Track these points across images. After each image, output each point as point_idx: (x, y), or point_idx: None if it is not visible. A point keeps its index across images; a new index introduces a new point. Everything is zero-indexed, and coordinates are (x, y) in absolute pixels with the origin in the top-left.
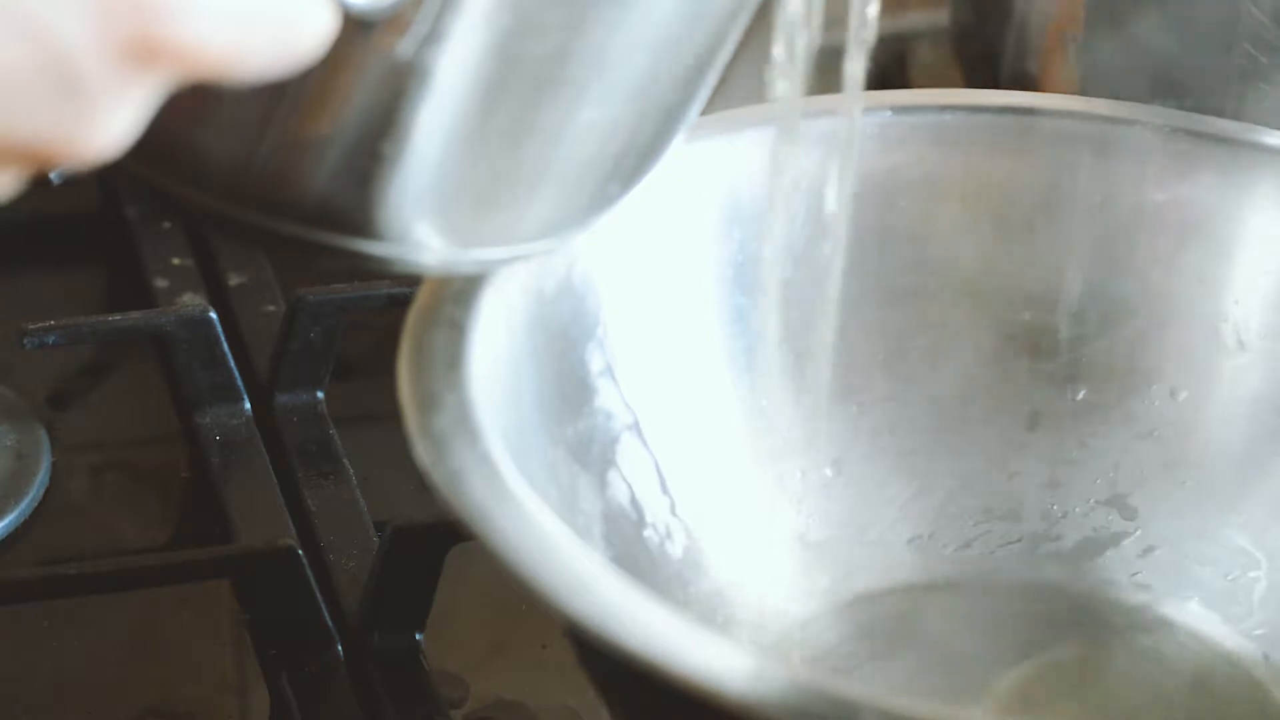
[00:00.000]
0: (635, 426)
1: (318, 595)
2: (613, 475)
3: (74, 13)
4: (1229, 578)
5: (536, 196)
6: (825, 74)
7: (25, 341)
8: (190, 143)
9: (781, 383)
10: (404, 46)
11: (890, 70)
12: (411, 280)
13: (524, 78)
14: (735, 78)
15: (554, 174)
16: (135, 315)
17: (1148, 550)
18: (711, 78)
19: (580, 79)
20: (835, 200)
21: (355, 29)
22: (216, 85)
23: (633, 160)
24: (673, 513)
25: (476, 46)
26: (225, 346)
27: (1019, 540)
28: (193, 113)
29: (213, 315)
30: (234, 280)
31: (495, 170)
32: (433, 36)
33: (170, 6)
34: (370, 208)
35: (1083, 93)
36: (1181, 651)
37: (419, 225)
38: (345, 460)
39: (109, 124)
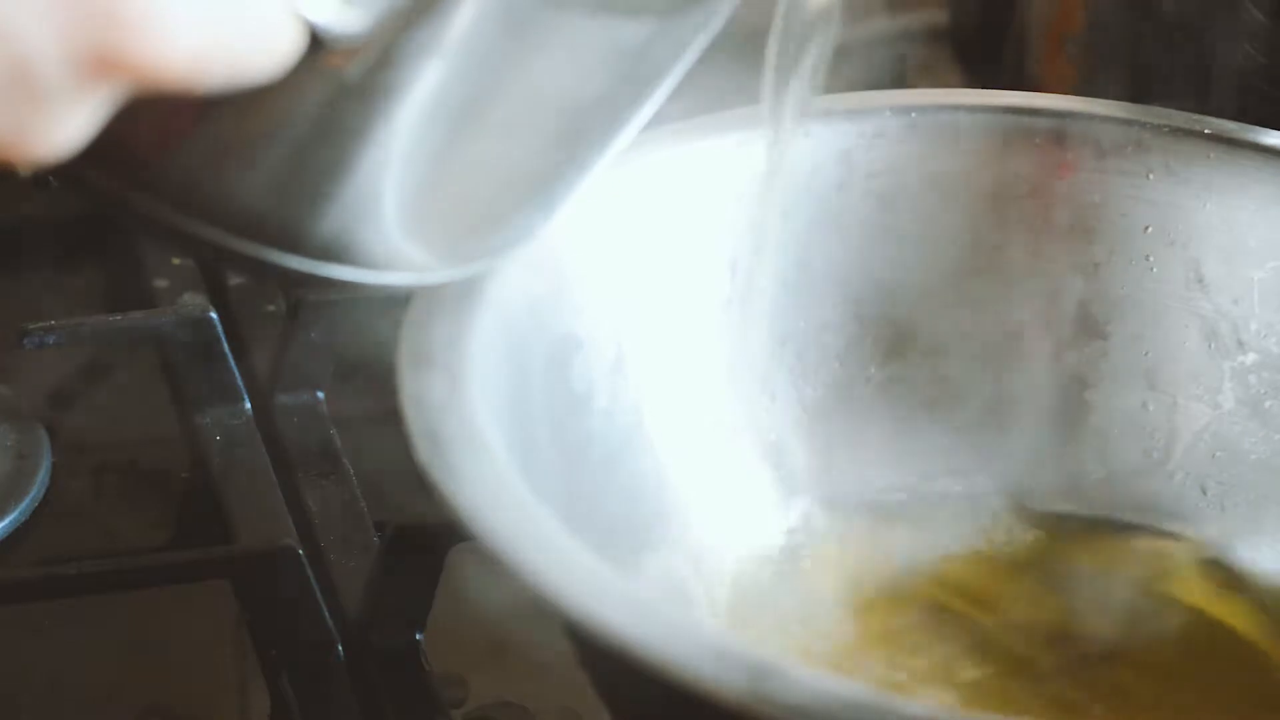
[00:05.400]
0: (636, 426)
1: (318, 595)
2: (613, 475)
3: (38, 16)
4: (1222, 576)
5: (464, 220)
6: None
7: (25, 341)
8: (134, 146)
9: (777, 378)
10: (352, 69)
11: (890, 70)
12: (407, 293)
13: (462, 108)
14: (731, 79)
15: (485, 200)
16: (135, 315)
17: (1140, 539)
18: (650, 107)
19: (514, 113)
20: (766, 208)
21: (310, 48)
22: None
23: (553, 192)
24: (674, 510)
25: (421, 75)
26: (225, 346)
27: (1020, 534)
28: (140, 118)
29: (213, 315)
30: (234, 280)
31: (427, 193)
32: (381, 62)
33: (137, 22)
34: (301, 222)
35: (1083, 93)
36: (1185, 629)
37: (346, 243)
38: (345, 460)
39: (61, 127)
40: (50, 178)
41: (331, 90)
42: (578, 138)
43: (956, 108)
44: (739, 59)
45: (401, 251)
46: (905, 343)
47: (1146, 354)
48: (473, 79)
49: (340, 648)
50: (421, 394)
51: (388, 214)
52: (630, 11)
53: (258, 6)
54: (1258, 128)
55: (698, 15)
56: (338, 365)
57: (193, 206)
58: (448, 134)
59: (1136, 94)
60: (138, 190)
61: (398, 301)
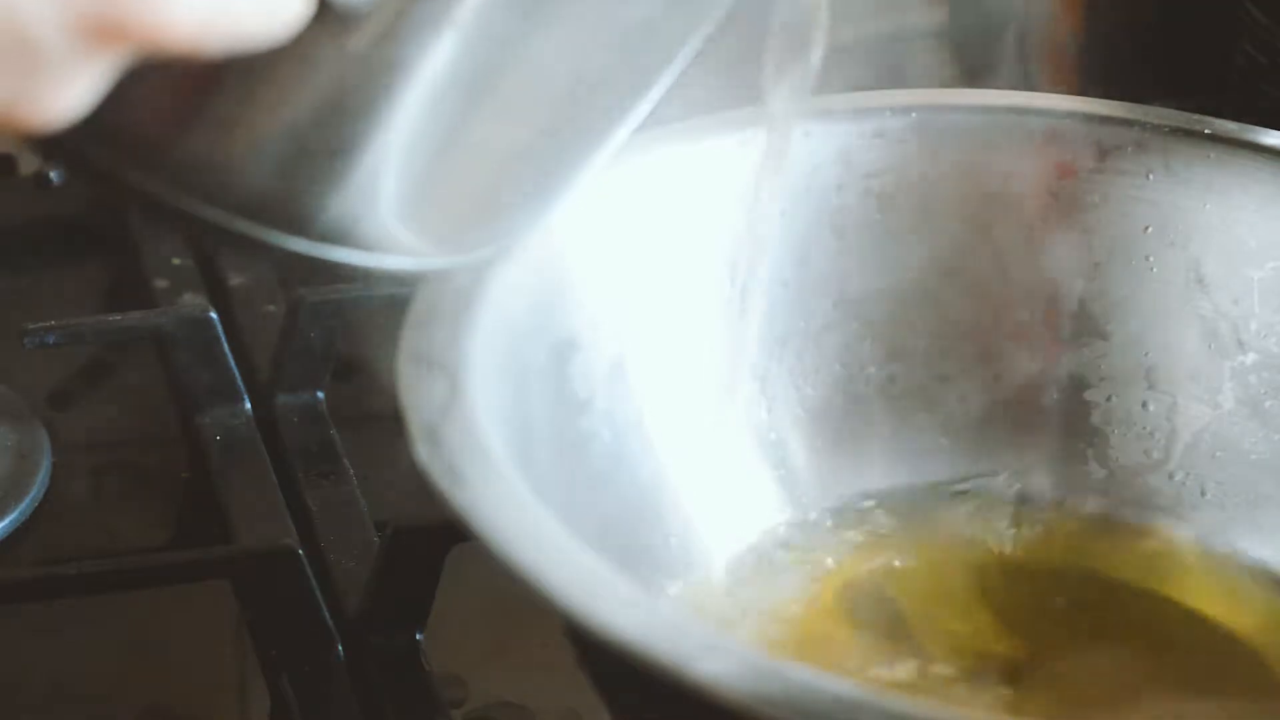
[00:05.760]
0: (636, 426)
1: (318, 595)
2: (613, 475)
3: None
4: (1222, 575)
5: (471, 205)
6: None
7: (25, 341)
8: (137, 124)
9: (777, 378)
10: (359, 41)
11: (890, 70)
12: (411, 280)
13: (470, 89)
14: (725, 80)
15: (492, 185)
16: (135, 315)
17: (1140, 539)
18: (656, 91)
19: (522, 95)
20: (764, 199)
21: (317, 19)
22: (167, 63)
23: (558, 178)
24: (674, 510)
25: (429, 51)
26: (225, 346)
27: (1020, 535)
28: (143, 96)
29: (213, 315)
30: (234, 280)
31: (434, 176)
32: (389, 36)
33: None
34: (305, 204)
35: (1083, 93)
36: (1183, 630)
37: (351, 226)
38: (345, 460)
39: (63, 95)
40: (53, 160)
41: (338, 65)
42: (584, 121)
43: (956, 108)
44: (738, 59)
45: (406, 236)
46: (905, 342)
47: (1146, 354)
48: (481, 58)
49: (340, 648)
50: (421, 394)
51: (393, 197)
52: None
53: None
54: (1258, 128)
55: None
56: (338, 365)
57: (195, 186)
58: (456, 115)
59: (1136, 94)
60: (140, 170)
61: (398, 301)
